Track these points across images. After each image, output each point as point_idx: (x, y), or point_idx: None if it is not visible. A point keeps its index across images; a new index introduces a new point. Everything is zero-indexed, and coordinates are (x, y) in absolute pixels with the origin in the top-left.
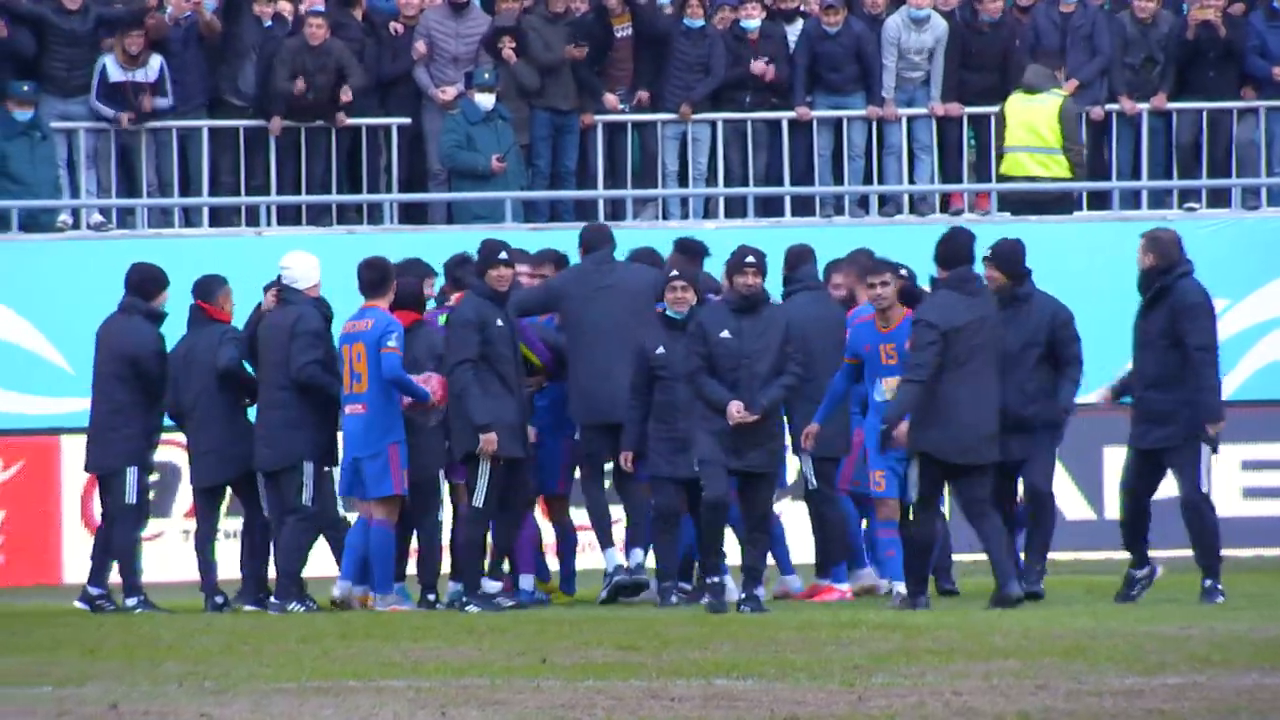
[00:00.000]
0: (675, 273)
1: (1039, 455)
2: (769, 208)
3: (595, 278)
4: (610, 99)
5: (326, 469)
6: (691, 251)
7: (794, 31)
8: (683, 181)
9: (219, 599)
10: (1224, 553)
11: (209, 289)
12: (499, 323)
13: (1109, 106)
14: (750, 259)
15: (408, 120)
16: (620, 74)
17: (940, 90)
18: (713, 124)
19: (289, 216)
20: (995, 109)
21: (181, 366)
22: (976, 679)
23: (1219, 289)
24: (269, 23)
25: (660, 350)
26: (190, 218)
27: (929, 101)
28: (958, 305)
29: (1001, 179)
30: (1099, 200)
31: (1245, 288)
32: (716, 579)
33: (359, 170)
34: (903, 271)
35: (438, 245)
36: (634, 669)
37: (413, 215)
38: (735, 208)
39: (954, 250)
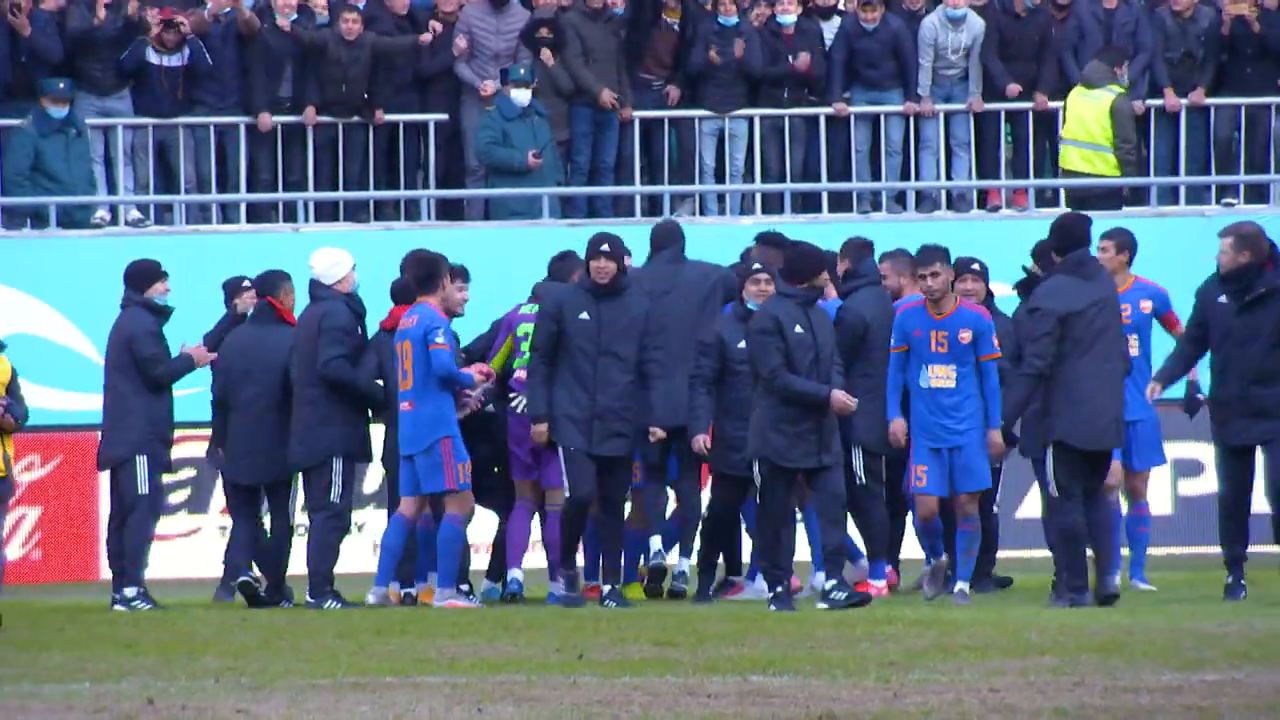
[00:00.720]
0: (758, 265)
1: None
2: (806, 203)
3: (667, 277)
4: (672, 92)
5: (359, 466)
6: (774, 244)
7: (830, 28)
8: (720, 178)
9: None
10: (1257, 550)
11: (273, 284)
12: (583, 316)
13: (1149, 102)
14: (763, 273)
15: (445, 116)
16: (662, 64)
17: (979, 86)
18: (750, 120)
19: (326, 213)
20: (1030, 104)
21: (237, 360)
22: (1013, 675)
23: None
24: (295, 16)
25: (743, 344)
26: (228, 214)
27: (967, 98)
28: (1076, 289)
29: (1061, 172)
30: (1137, 196)
31: None
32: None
33: (396, 166)
34: (975, 266)
35: (474, 242)
36: (670, 665)
37: (450, 211)
38: (772, 204)
39: (1070, 234)
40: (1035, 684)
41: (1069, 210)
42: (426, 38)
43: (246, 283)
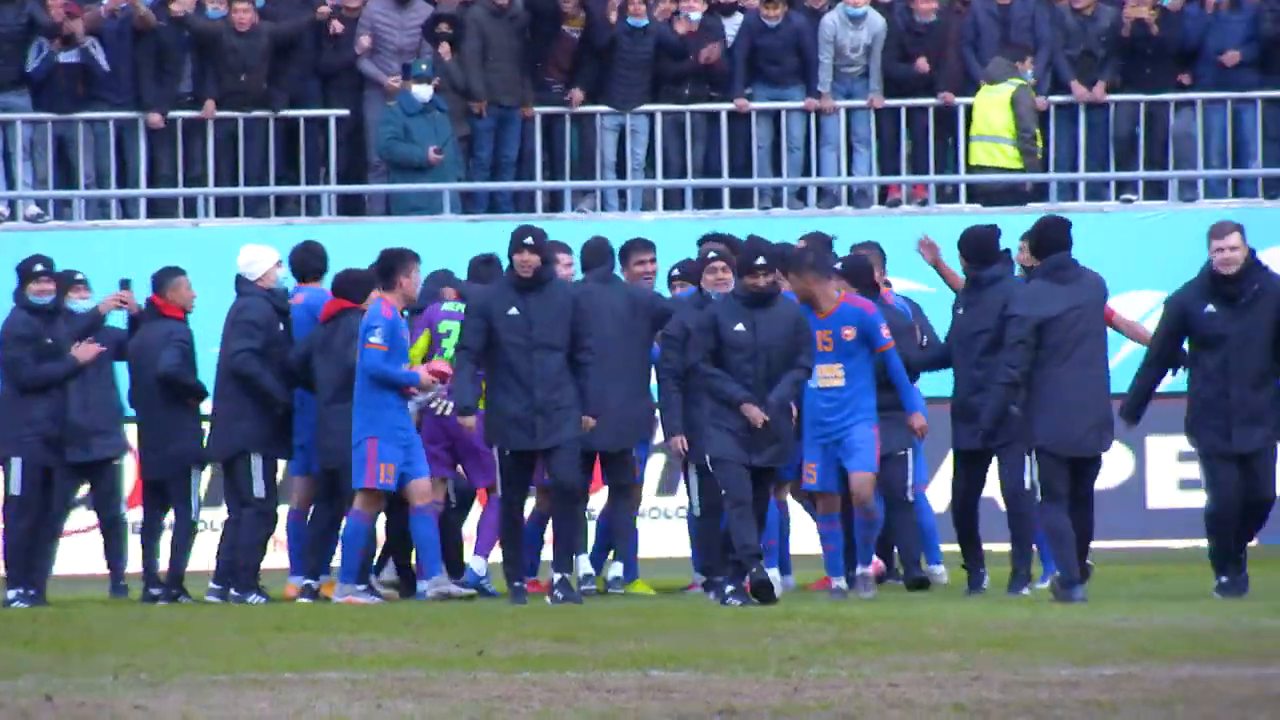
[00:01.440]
0: (713, 254)
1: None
2: (707, 200)
3: (594, 296)
4: (576, 94)
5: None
6: (725, 242)
7: (733, 25)
8: (621, 173)
9: (155, 591)
10: (1160, 544)
11: (160, 281)
12: (511, 311)
13: (1051, 98)
14: (761, 260)
15: (346, 112)
16: (560, 69)
17: (879, 83)
18: (651, 116)
19: (226, 208)
20: (932, 101)
21: (131, 359)
22: (913, 671)
23: (1155, 281)
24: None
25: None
26: (127, 210)
27: (868, 94)
28: (1053, 294)
29: (969, 169)
30: (1037, 192)
31: (1181, 279)
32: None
33: (298, 161)
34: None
35: (375, 237)
36: (570, 661)
37: (351, 207)
38: (673, 200)
39: (1049, 238)
40: (934, 679)
41: (1051, 214)
42: (325, 9)
43: (80, 276)
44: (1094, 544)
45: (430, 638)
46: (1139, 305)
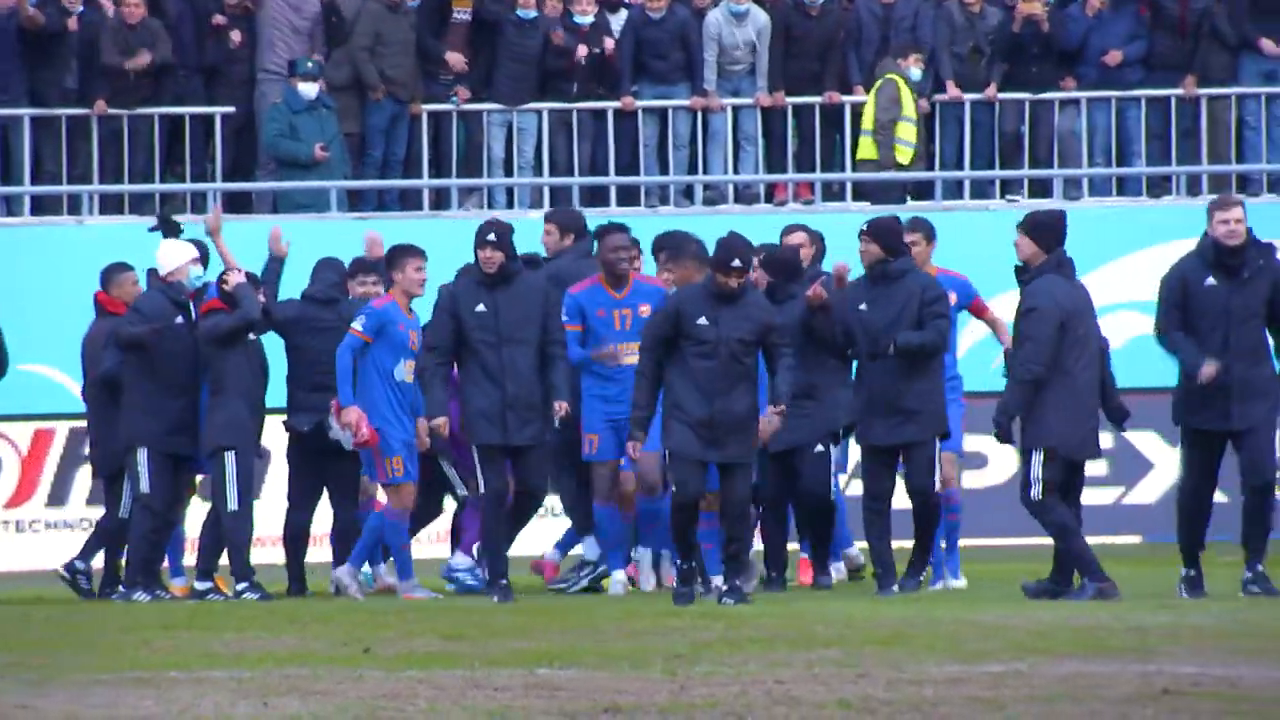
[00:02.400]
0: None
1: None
2: (594, 197)
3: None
4: (462, 93)
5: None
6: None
7: (619, 22)
8: (508, 171)
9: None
10: (1045, 541)
11: (104, 277)
12: (479, 308)
13: (936, 97)
14: (737, 263)
15: (232, 109)
16: (445, 66)
17: (766, 80)
18: (538, 113)
19: (112, 205)
20: (818, 99)
21: (84, 356)
22: (798, 668)
23: None
24: (80, 8)
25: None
26: (12, 206)
27: (754, 92)
28: (1067, 289)
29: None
30: (923, 190)
31: None
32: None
33: (184, 159)
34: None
35: (261, 235)
36: (457, 659)
37: (238, 204)
38: (560, 197)
39: (1057, 231)
40: (820, 676)
41: (1047, 208)
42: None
43: None
44: (982, 542)
45: (316, 635)
46: None
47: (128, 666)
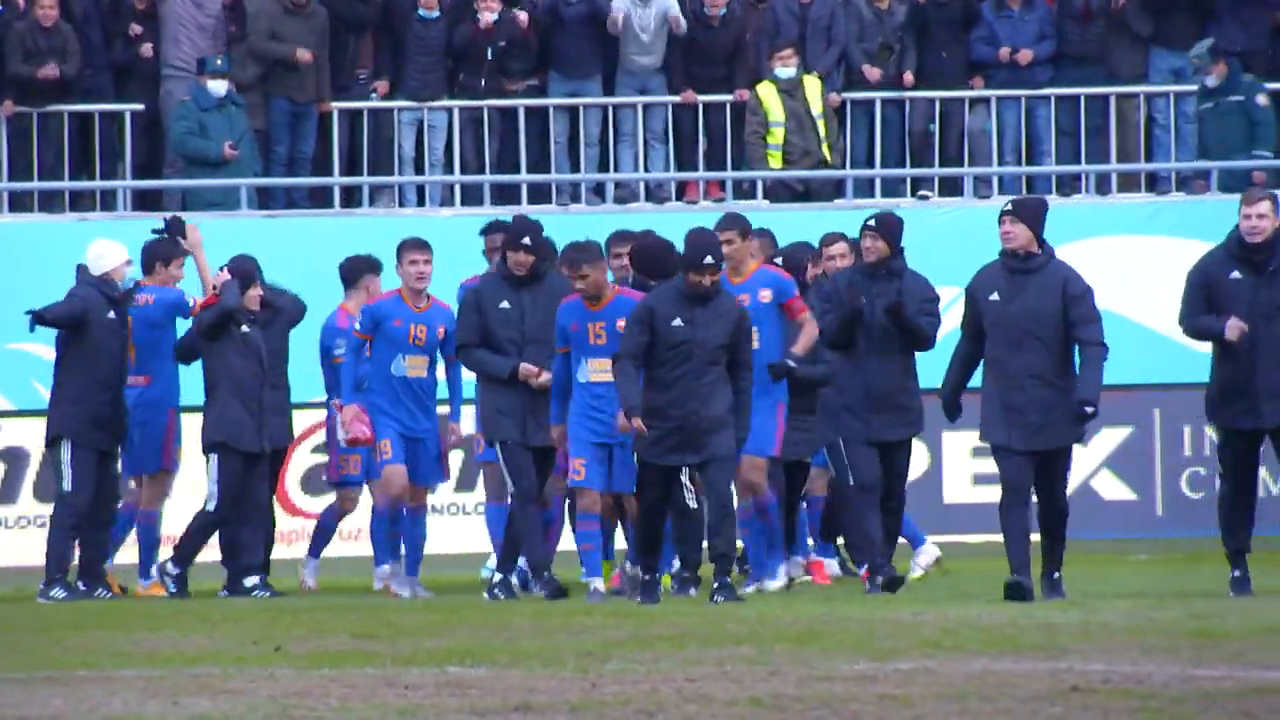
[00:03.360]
0: (710, 260)
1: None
2: (504, 195)
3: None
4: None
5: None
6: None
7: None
8: (419, 169)
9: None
10: (955, 539)
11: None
12: (504, 305)
13: (846, 95)
14: (709, 259)
15: (141, 106)
16: (362, 61)
17: (661, 59)
18: (449, 111)
19: (22, 203)
20: (730, 98)
21: None
22: (709, 665)
23: (952, 276)
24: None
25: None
26: None
27: (663, 90)
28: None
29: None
30: (836, 189)
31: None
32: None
33: (93, 156)
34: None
35: None
36: (368, 657)
37: (148, 202)
38: (471, 195)
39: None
40: (731, 674)
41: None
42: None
43: None
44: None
45: (227, 635)
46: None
47: (39, 666)
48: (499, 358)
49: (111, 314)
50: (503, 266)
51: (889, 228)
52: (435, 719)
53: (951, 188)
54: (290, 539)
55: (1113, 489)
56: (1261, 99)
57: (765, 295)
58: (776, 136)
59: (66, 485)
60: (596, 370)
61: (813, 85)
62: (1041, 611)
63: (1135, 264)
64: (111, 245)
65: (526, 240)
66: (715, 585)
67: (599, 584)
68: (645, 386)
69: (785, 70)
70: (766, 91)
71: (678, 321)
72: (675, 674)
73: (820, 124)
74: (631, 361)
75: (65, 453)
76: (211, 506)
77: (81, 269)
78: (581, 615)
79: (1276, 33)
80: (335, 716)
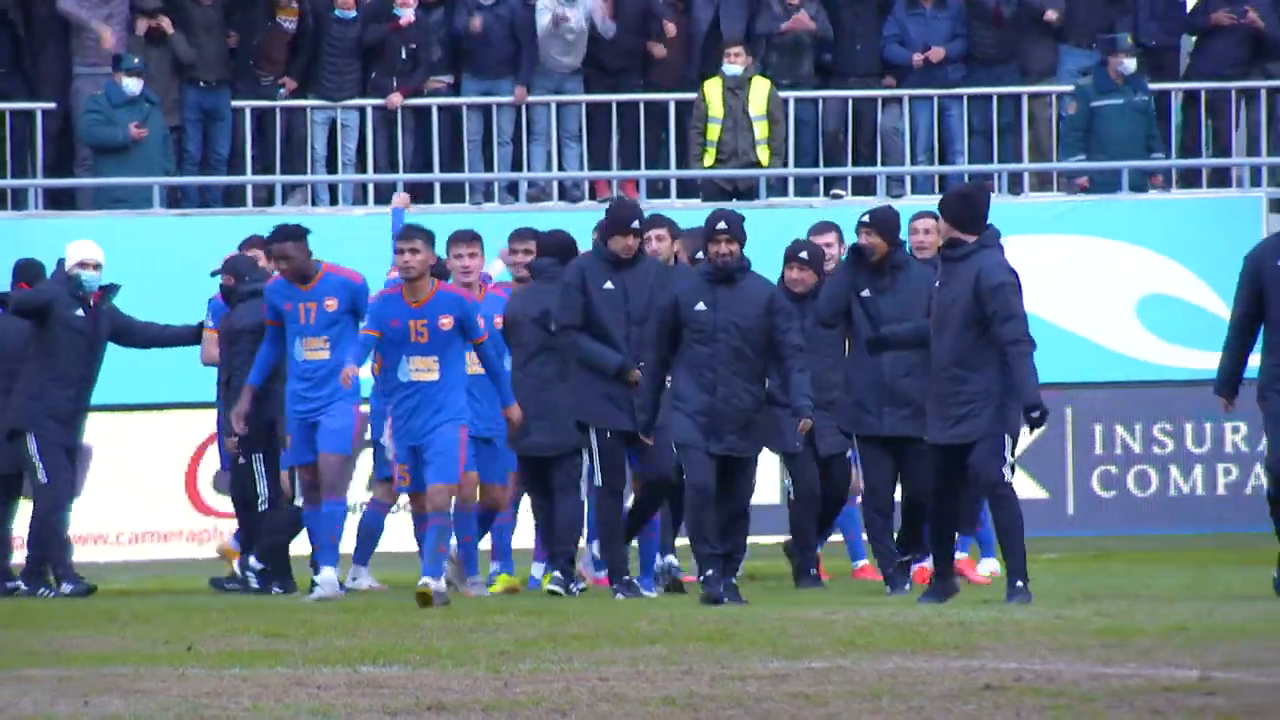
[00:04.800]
0: (722, 226)
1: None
2: (418, 194)
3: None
4: (393, 99)
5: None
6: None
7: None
8: (331, 168)
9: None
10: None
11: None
12: (607, 285)
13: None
14: (722, 225)
15: (53, 105)
16: (271, 61)
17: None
18: (361, 110)
19: None
20: (645, 96)
21: None
22: (622, 664)
23: None
24: None
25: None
26: None
27: (579, 90)
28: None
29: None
30: (749, 188)
31: None
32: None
33: (3, 155)
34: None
35: (82, 231)
36: (280, 656)
37: (60, 201)
38: (384, 194)
39: (985, 205)
40: (644, 673)
41: (976, 182)
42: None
43: None
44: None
45: (137, 635)
46: None
47: None
48: (607, 349)
49: (79, 312)
50: (603, 249)
51: (885, 223)
52: (347, 718)
53: (865, 187)
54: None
55: (1024, 487)
56: (1153, 101)
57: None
58: (713, 133)
59: (41, 477)
60: (419, 370)
61: (760, 86)
62: (954, 610)
63: (1048, 263)
64: (81, 245)
65: (635, 224)
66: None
67: (438, 584)
68: (676, 372)
69: (733, 68)
70: (713, 87)
71: (701, 305)
72: (589, 673)
73: (759, 126)
74: (654, 351)
75: (31, 444)
76: (263, 504)
77: (59, 264)
78: (495, 614)
79: (1192, 32)
80: (247, 716)
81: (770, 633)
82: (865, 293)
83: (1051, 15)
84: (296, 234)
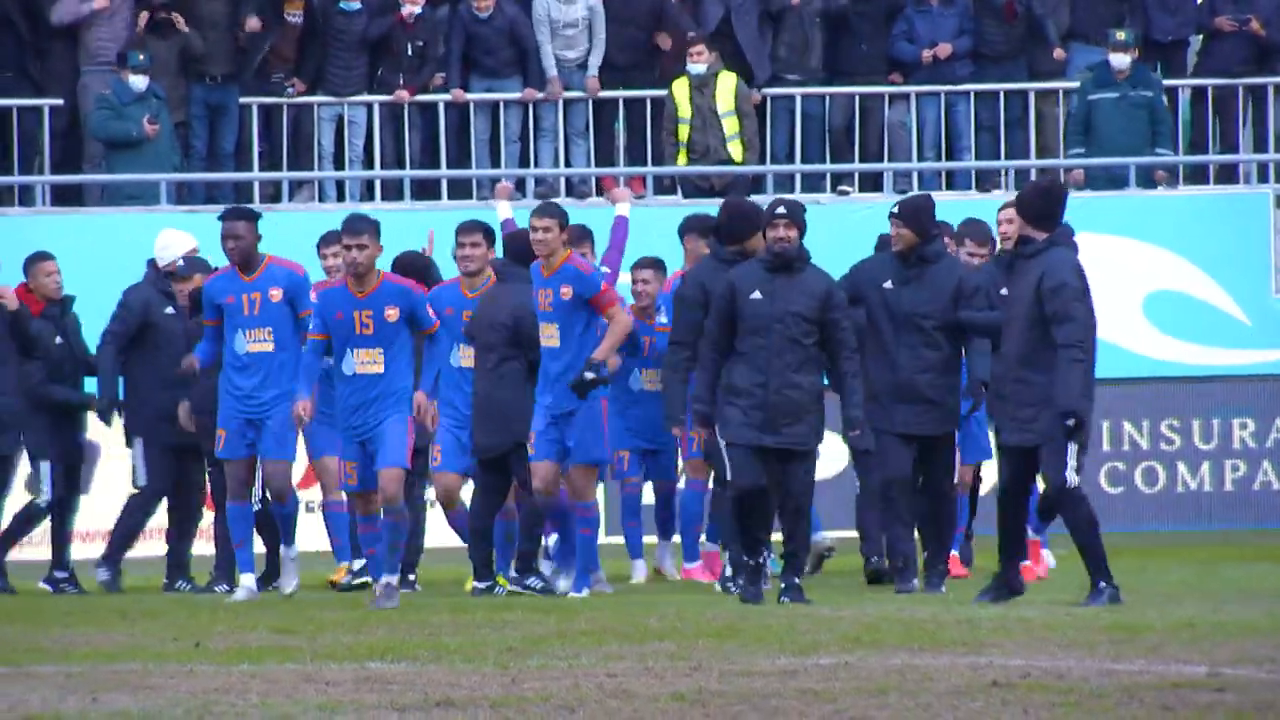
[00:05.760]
0: (782, 210)
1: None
2: (425, 190)
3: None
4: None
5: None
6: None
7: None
8: (339, 164)
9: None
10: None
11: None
12: (755, 295)
13: (766, 91)
14: (781, 210)
15: (60, 101)
16: (281, 58)
17: (600, 55)
18: (369, 106)
19: None
20: (653, 93)
21: None
22: (631, 661)
23: None
24: None
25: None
26: None
27: (584, 86)
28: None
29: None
30: (756, 184)
31: None
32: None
33: (11, 152)
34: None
35: (91, 227)
36: (289, 653)
37: (68, 198)
38: (390, 191)
39: (1059, 207)
40: (653, 669)
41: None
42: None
43: None
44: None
45: (146, 630)
46: None
47: None
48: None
49: (170, 310)
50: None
51: (916, 212)
52: (355, 714)
53: (872, 183)
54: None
55: None
56: (1164, 98)
57: (566, 292)
58: (683, 134)
59: (141, 480)
60: (364, 362)
61: (726, 82)
62: (961, 607)
63: None
64: (177, 238)
65: (781, 209)
66: (784, 585)
67: (389, 580)
68: (730, 363)
69: (696, 66)
70: (680, 87)
71: (757, 294)
72: (597, 669)
73: (727, 122)
74: (708, 341)
75: (138, 448)
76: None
77: (150, 264)
78: (504, 611)
79: (1200, 28)
80: (256, 712)
81: (778, 629)
82: (887, 284)
83: (1059, 54)
84: (249, 215)
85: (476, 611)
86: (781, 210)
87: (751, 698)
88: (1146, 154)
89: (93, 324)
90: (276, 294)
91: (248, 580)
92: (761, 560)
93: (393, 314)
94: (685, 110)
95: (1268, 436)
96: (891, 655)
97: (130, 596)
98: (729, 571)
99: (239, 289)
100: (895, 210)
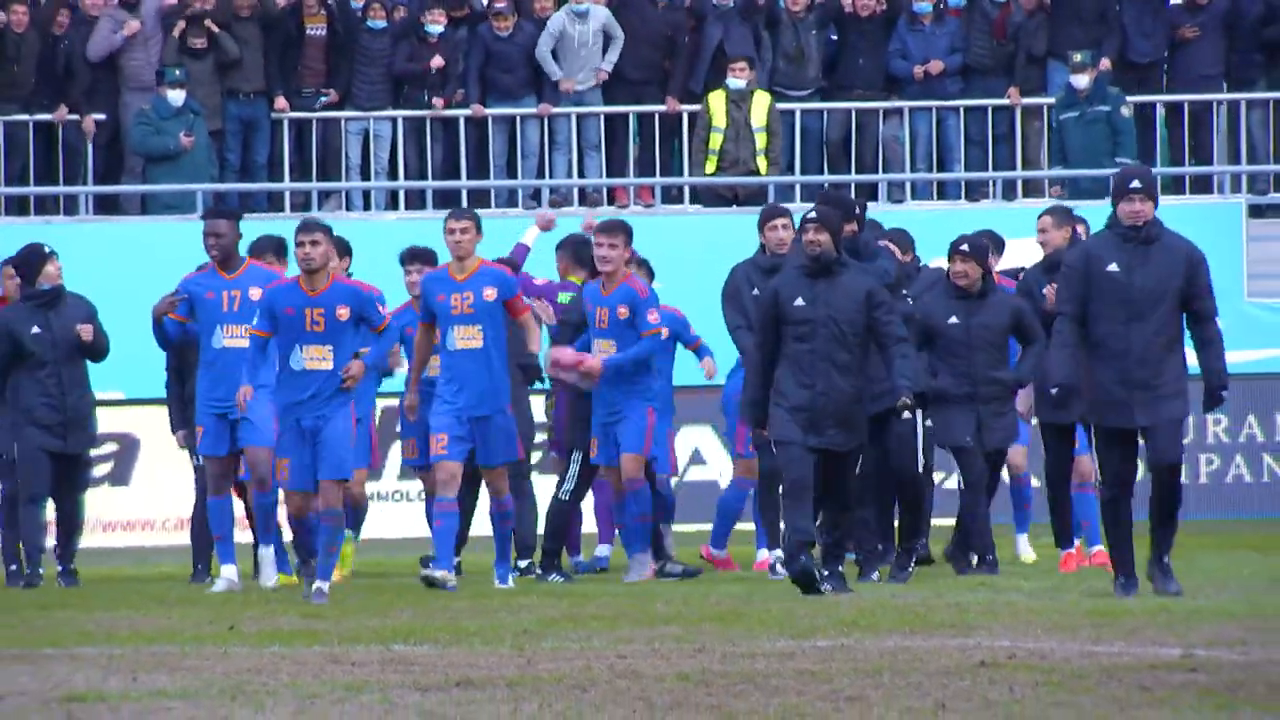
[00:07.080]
0: (812, 214)
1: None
2: (446, 201)
3: None
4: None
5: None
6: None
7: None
8: (365, 175)
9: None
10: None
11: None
12: (798, 302)
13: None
14: (811, 214)
15: (104, 115)
16: (311, 71)
17: (610, 64)
18: (393, 120)
19: None
20: (660, 107)
21: None
22: (640, 643)
23: None
24: None
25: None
26: None
27: (598, 102)
28: None
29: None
30: (758, 195)
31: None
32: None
33: (56, 163)
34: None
35: (130, 236)
36: (317, 635)
37: (108, 207)
38: (414, 200)
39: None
40: (660, 651)
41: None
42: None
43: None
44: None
45: (183, 614)
46: None
47: (5, 644)
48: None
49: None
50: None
51: (981, 251)
52: (380, 694)
53: (868, 194)
54: None
55: None
56: (1125, 110)
57: (489, 294)
58: (715, 143)
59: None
60: (313, 358)
61: (761, 100)
62: (952, 592)
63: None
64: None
65: (812, 215)
66: (825, 574)
67: (321, 585)
68: (778, 368)
69: (736, 82)
70: (716, 99)
71: (800, 301)
72: (607, 651)
73: (759, 137)
74: (756, 341)
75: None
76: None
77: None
78: (520, 595)
79: (1176, 45)
80: (286, 691)
81: (779, 614)
82: (952, 319)
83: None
84: (231, 214)
85: (495, 596)
86: (811, 215)
87: (753, 678)
88: (1108, 165)
89: (127, 322)
90: (256, 293)
91: (229, 571)
92: (838, 540)
93: (344, 313)
94: (720, 120)
95: (1240, 432)
96: (885, 638)
97: (169, 583)
98: (777, 558)
99: (219, 285)
100: (964, 248)
